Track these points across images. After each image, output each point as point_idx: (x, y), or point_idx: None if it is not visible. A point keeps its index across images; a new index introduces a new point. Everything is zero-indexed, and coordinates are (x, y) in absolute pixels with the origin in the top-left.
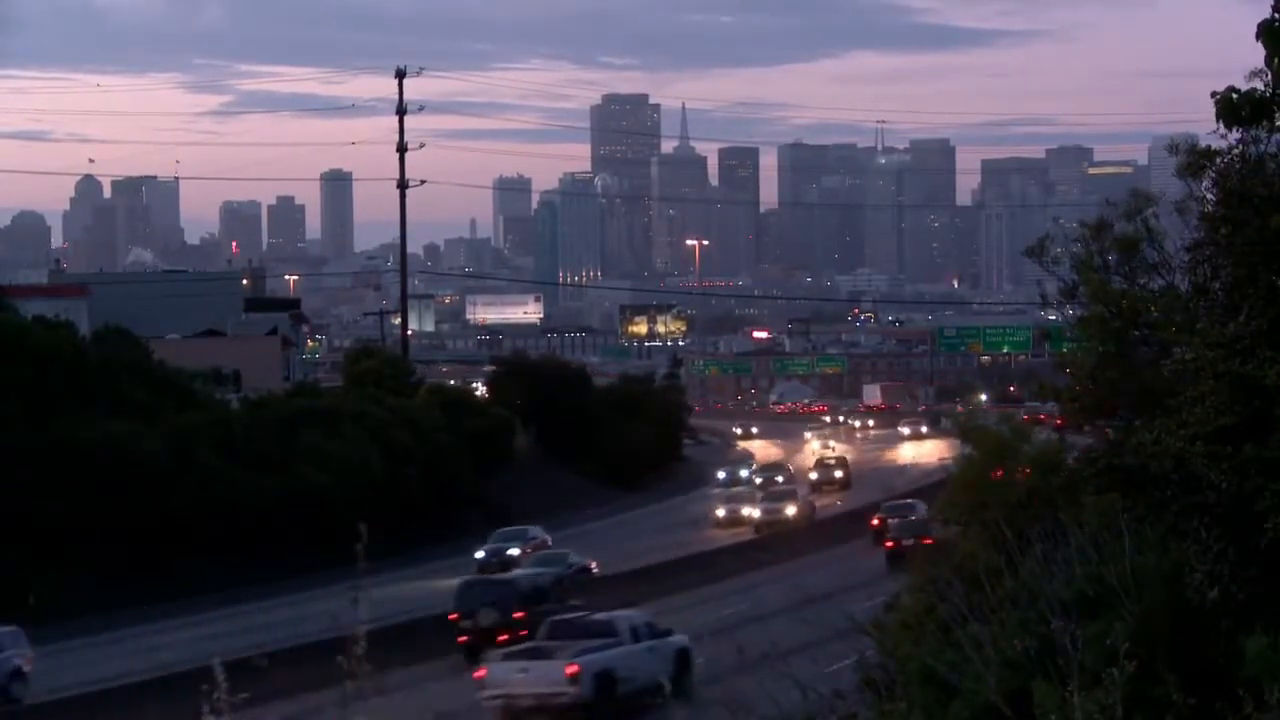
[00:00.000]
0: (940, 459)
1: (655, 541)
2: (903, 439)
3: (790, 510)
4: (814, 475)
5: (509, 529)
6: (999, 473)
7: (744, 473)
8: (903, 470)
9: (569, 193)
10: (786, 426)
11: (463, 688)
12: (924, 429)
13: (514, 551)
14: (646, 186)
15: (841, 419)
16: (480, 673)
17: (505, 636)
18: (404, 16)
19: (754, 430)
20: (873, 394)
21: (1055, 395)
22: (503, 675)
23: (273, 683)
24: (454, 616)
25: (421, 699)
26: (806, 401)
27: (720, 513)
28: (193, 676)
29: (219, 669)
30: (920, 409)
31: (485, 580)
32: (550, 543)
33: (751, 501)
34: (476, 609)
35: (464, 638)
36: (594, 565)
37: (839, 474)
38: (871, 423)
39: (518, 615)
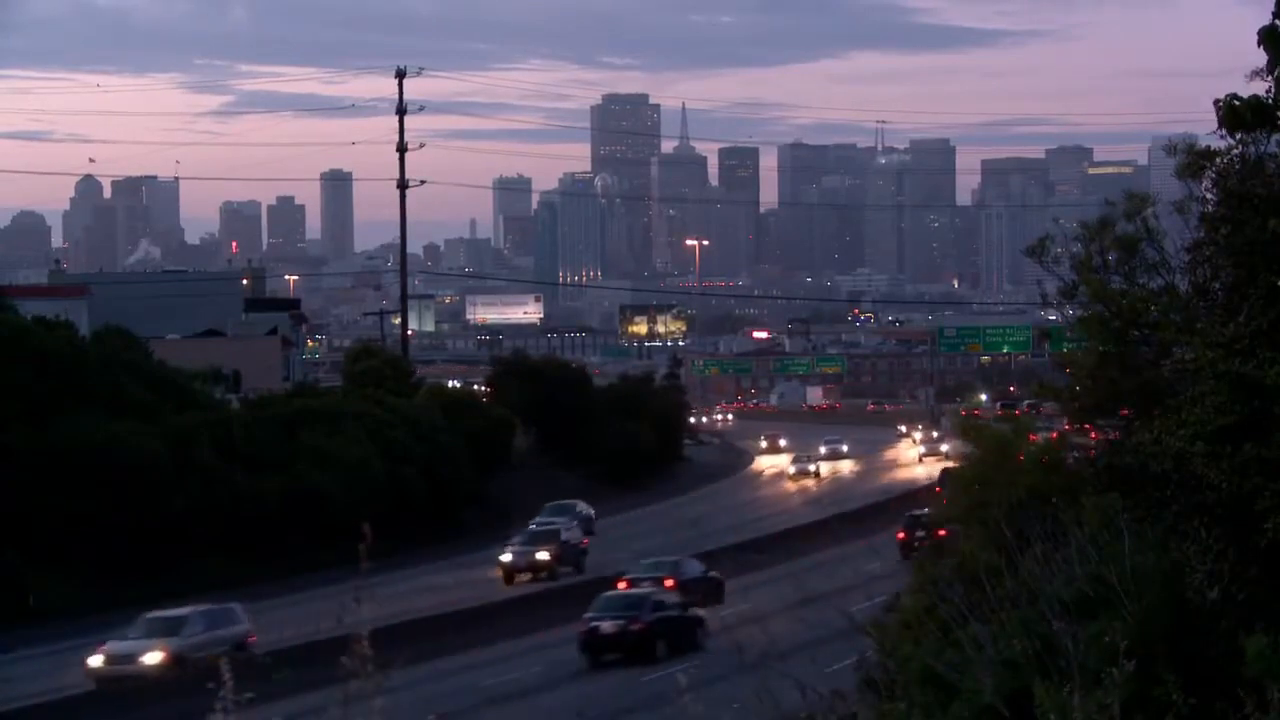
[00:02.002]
0: (942, 467)
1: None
2: (918, 460)
3: (148, 658)
4: (505, 557)
5: None
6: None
7: (560, 518)
8: (888, 488)
9: (569, 193)
10: (804, 430)
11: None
12: (944, 448)
13: None
14: (646, 186)
15: (905, 429)
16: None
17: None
18: (404, 16)
19: (782, 442)
20: (815, 395)
21: (1055, 395)
22: None
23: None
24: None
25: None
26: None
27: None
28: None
29: (225, 668)
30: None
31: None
32: None
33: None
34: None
35: (902, 534)
36: None
37: (543, 555)
38: (936, 434)
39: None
